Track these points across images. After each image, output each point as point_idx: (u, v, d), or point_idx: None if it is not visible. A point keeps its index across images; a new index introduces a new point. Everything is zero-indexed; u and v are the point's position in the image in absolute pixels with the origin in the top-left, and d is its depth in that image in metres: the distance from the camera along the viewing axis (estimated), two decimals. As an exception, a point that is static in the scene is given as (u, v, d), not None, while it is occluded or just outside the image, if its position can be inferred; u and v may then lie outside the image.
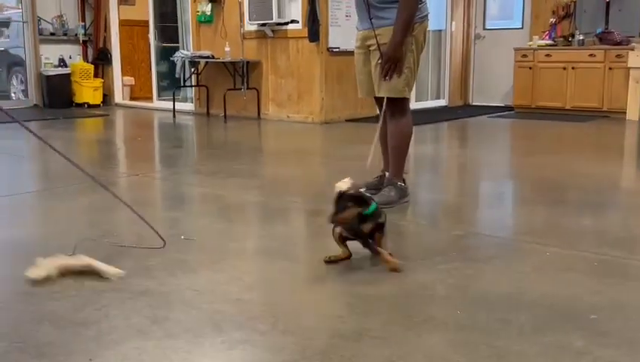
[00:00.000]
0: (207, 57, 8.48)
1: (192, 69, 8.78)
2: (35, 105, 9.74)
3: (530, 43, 8.99)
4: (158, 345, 1.86)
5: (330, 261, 2.55)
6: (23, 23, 9.67)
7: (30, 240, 3.03)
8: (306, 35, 7.68)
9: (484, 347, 1.84)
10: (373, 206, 2.47)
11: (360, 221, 2.44)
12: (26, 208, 3.77)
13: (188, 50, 8.91)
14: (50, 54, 9.86)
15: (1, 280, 2.47)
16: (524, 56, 8.87)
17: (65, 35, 10.01)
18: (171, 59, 9.06)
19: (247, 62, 8.27)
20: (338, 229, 2.51)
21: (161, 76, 10.01)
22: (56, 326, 1.98)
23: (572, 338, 1.89)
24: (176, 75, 9.00)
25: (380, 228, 2.50)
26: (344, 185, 2.42)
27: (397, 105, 3.53)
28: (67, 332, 1.94)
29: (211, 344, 1.88)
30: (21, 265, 2.65)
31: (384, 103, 3.52)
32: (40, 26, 9.74)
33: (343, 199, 2.39)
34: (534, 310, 2.11)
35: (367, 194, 2.56)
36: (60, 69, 9.84)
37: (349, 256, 2.56)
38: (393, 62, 3.40)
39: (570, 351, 1.82)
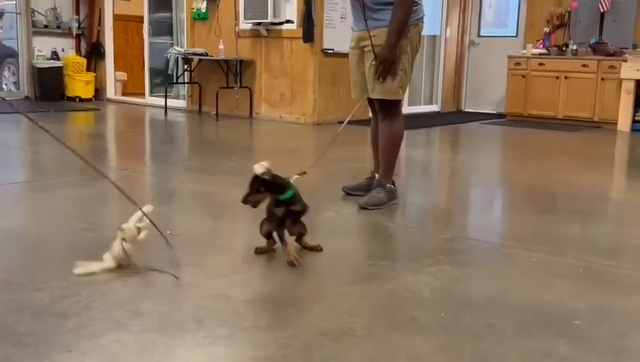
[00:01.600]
0: (201, 55, 8.45)
1: (186, 66, 8.75)
2: (27, 97, 9.68)
3: (524, 51, 9.02)
4: (139, 338, 1.84)
5: (259, 252, 2.64)
6: (17, 14, 9.61)
7: (14, 231, 3.00)
8: (301, 36, 7.67)
9: (467, 350, 1.83)
10: (289, 193, 2.51)
11: (275, 205, 2.51)
12: (14, 199, 3.74)
13: (182, 47, 8.88)
14: (43, 47, 9.80)
15: (-17, 269, 2.43)
16: (518, 64, 8.90)
17: (58, 27, 9.96)
18: (165, 55, 9.04)
19: (241, 61, 8.25)
20: (266, 227, 2.61)
21: (153, 72, 9.96)
22: (37, 317, 1.96)
23: (556, 343, 1.88)
24: (169, 72, 8.98)
25: (292, 215, 2.56)
26: (260, 168, 2.43)
27: (390, 107, 3.53)
28: (47, 323, 1.92)
29: (193, 338, 1.86)
30: (3, 255, 2.63)
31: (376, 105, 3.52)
32: (34, 18, 9.68)
33: (255, 182, 2.44)
34: (519, 314, 2.11)
35: (286, 180, 2.55)
36: (52, 61, 9.79)
37: (273, 248, 2.65)
38: (387, 64, 3.40)
39: (553, 357, 1.81)
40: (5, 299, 2.10)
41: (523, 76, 8.82)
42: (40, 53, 9.75)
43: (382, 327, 1.98)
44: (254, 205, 2.50)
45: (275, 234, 2.60)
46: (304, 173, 2.72)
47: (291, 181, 2.58)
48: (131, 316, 1.99)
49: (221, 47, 8.27)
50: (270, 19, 7.80)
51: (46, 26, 9.84)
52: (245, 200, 2.48)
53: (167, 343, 1.83)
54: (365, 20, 3.45)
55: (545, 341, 1.90)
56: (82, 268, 2.33)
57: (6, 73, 10.29)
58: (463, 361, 1.77)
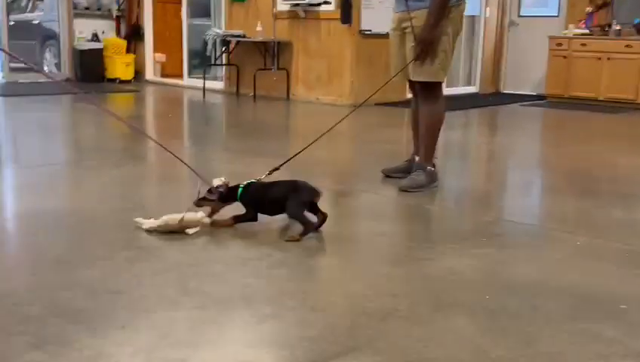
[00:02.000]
0: (239, 36, 8.48)
1: (224, 48, 8.79)
2: (68, 78, 9.84)
3: (566, 32, 8.85)
4: (189, 315, 1.89)
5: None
6: (58, -4, 9.75)
7: (63, 210, 3.08)
8: (339, 17, 7.64)
9: (513, 332, 1.84)
10: (240, 190, 2.81)
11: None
12: (60, 179, 3.83)
13: (220, 29, 8.92)
14: (84, 29, 9.93)
15: (36, 248, 2.51)
16: (559, 44, 8.74)
17: (99, 9, 10.08)
18: (203, 37, 9.08)
19: (278, 43, 8.26)
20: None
21: (192, 54, 10.03)
22: (90, 294, 2.02)
23: (602, 327, 1.88)
24: (208, 54, 9.02)
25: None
26: (217, 181, 2.80)
27: (431, 89, 3.52)
28: (100, 300, 1.98)
29: (241, 317, 1.90)
30: (54, 234, 2.71)
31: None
32: (74, 1, 9.81)
33: (209, 191, 2.78)
34: (564, 298, 2.10)
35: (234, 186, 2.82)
36: (93, 43, 9.92)
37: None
38: (426, 45, 3.38)
39: (600, 340, 1.81)
40: (59, 276, 2.17)
41: (564, 57, 8.66)
42: (81, 35, 9.88)
43: (426, 309, 2.00)
44: (211, 213, 2.77)
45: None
46: (277, 168, 2.95)
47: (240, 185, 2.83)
48: (181, 293, 2.04)
49: (259, 28, 8.28)
50: (308, 0, 7.78)
51: (87, 8, 9.96)
52: (195, 203, 2.75)
53: (216, 320, 1.87)
54: (406, 1, 3.43)
55: (591, 324, 1.90)
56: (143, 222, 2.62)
57: (47, 55, 10.46)
58: (508, 343, 1.78)
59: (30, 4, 11.15)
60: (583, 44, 8.55)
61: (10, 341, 1.71)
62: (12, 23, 10.07)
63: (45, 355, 1.64)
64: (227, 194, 2.79)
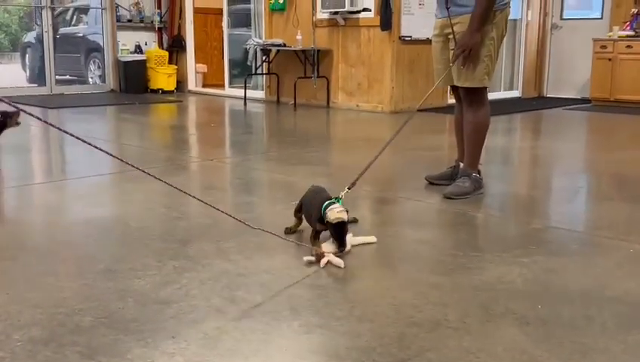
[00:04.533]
0: (279, 45, 8.53)
1: (264, 57, 8.85)
2: (112, 90, 10.04)
3: (610, 34, 8.68)
4: (238, 325, 1.90)
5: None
6: (102, 9, 9.96)
7: (112, 220, 3.12)
8: (378, 24, 7.63)
9: (567, 343, 1.80)
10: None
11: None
12: (108, 189, 3.89)
13: (260, 38, 8.99)
14: (127, 40, 10.13)
15: (86, 258, 2.55)
16: (604, 47, 8.57)
17: (141, 21, 10.26)
18: (243, 47, 9.16)
19: (318, 51, 8.29)
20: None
21: (232, 64, 10.13)
22: (140, 304, 2.04)
23: (660, 338, 1.82)
24: (248, 63, 9.10)
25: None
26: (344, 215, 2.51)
27: (476, 95, 3.47)
28: (150, 310, 2.00)
29: (289, 326, 1.90)
30: (103, 243, 2.75)
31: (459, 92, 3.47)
32: (118, 13, 10.01)
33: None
34: (619, 307, 2.05)
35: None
36: (136, 55, 10.10)
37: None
38: (467, 50, 3.34)
39: (658, 351, 1.75)
40: (109, 286, 2.20)
41: (609, 59, 8.49)
42: (124, 47, 10.08)
43: (477, 319, 1.96)
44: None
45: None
46: (354, 184, 2.80)
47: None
48: (229, 303, 2.04)
49: (299, 37, 8.32)
50: (347, 7, 7.79)
51: (129, 21, 10.15)
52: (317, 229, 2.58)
53: (265, 330, 1.87)
54: (447, 8, 3.40)
55: (648, 335, 1.84)
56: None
57: (92, 67, 10.69)
58: (563, 354, 1.73)
59: (75, 18, 11.40)
60: (629, 46, 8.37)
61: (62, 351, 1.73)
62: (58, 36, 10.32)
63: (98, 365, 1.66)
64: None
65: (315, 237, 2.57)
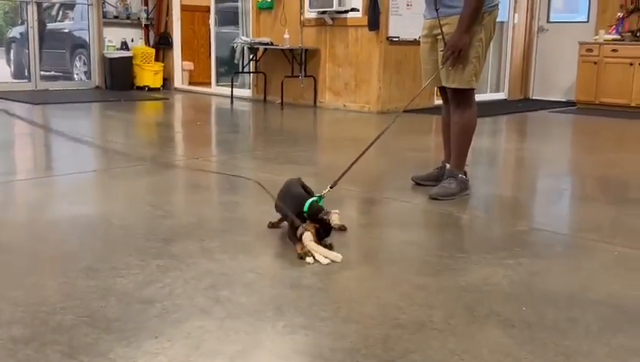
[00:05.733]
0: (267, 44, 8.51)
1: (251, 56, 8.82)
2: (97, 86, 9.96)
3: (596, 37, 8.74)
4: (222, 325, 1.88)
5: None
6: (88, 5, 9.89)
7: (95, 217, 3.09)
8: (366, 24, 7.63)
9: (551, 345, 1.80)
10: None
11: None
12: (91, 186, 3.86)
13: (247, 37, 8.96)
14: (113, 37, 10.06)
15: (68, 256, 2.52)
16: (589, 50, 8.63)
17: (128, 18, 10.20)
18: (231, 45, 9.13)
19: (306, 50, 8.27)
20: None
21: (219, 62, 10.09)
22: (123, 303, 2.02)
23: (643, 340, 1.83)
24: (235, 61, 9.07)
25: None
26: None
27: (463, 96, 3.48)
28: (133, 309, 1.97)
29: (273, 327, 1.88)
30: (85, 241, 2.72)
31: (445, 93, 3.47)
32: (104, 9, 9.94)
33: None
34: (603, 310, 2.05)
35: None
36: (122, 51, 10.03)
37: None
38: (455, 51, 3.34)
39: (641, 354, 1.76)
40: (91, 285, 2.17)
41: (595, 63, 8.55)
42: (110, 44, 10.01)
43: (462, 320, 1.96)
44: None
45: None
46: (335, 183, 2.83)
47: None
48: (213, 303, 2.03)
49: (286, 36, 8.30)
50: (335, 7, 7.79)
51: (116, 17, 10.09)
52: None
53: (249, 331, 1.85)
54: (436, 9, 3.41)
55: (632, 338, 1.85)
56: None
57: (77, 63, 10.61)
58: (547, 357, 1.73)
59: (60, 13, 11.31)
60: (614, 50, 8.43)
61: (43, 350, 1.71)
62: (44, 31, 10.21)
63: (79, 365, 1.64)
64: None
65: (294, 234, 2.56)
